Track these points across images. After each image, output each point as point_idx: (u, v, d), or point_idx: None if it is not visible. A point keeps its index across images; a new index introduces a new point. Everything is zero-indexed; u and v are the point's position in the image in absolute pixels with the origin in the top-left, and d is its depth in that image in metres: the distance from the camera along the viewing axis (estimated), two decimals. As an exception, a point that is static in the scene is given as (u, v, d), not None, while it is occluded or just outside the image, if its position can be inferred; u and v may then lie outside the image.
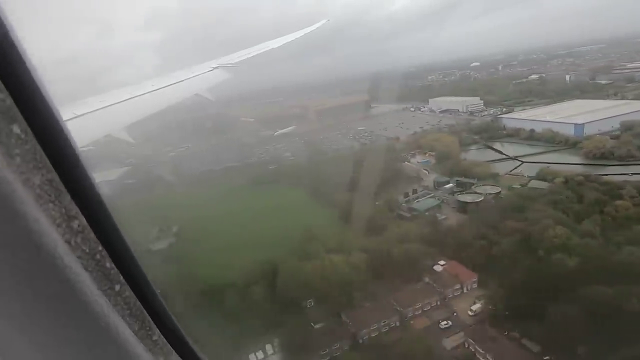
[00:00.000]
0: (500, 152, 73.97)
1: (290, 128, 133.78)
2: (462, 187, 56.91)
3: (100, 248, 1.22)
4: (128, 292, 1.36)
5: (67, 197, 1.11)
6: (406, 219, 50.84)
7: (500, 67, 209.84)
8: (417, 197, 56.74)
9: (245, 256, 43.97)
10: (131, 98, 8.81)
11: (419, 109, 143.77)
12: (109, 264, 1.26)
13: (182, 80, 10.78)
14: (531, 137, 78.33)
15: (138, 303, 1.42)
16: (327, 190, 63.97)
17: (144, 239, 59.49)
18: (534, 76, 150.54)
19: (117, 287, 1.30)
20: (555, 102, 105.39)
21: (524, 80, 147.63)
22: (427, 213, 51.81)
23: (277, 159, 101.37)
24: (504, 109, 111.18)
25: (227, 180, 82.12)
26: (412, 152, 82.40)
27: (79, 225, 1.14)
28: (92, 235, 1.19)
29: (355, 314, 34.92)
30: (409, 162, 76.04)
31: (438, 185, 59.65)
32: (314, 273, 37.62)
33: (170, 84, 10.30)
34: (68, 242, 1.08)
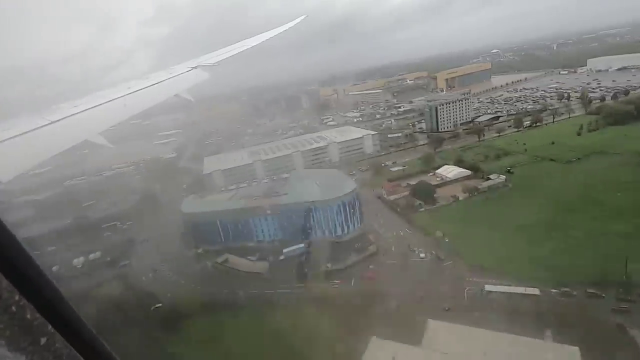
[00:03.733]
0: None
1: (443, 93, 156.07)
2: None
3: (16, 298, 1.03)
4: (59, 342, 1.16)
5: None
6: None
7: (555, 47, 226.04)
8: None
9: None
10: (106, 102, 8.55)
11: (574, 72, 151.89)
12: (30, 314, 1.06)
13: (161, 82, 10.68)
14: None
15: (73, 351, 1.23)
16: None
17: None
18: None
19: (43, 340, 1.11)
20: None
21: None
22: None
23: (516, 109, 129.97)
24: None
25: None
26: None
27: None
28: (4, 283, 1.02)
29: None
30: None
31: None
32: None
33: (148, 86, 10.12)
34: None
